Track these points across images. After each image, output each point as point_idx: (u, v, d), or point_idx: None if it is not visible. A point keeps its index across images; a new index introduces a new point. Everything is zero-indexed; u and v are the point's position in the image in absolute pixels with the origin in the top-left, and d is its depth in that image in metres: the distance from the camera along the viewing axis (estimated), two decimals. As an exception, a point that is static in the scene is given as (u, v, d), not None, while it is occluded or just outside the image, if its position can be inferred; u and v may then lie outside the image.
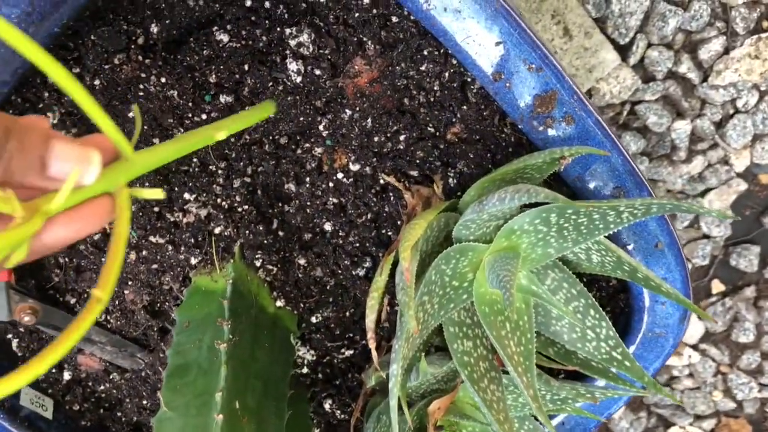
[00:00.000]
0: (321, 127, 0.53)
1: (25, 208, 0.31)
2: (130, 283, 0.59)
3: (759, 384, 1.16)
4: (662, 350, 0.56)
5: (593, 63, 0.99)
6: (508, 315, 0.46)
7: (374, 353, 0.49)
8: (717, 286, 1.14)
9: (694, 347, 1.16)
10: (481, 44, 0.46)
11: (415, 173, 0.54)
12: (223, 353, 0.48)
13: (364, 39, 0.49)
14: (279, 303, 0.57)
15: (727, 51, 0.99)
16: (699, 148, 1.04)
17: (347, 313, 0.59)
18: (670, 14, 0.96)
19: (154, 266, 0.57)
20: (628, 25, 0.97)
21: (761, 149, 1.03)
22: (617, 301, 0.58)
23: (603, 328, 0.50)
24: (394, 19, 0.49)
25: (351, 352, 0.60)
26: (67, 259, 0.58)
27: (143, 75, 0.50)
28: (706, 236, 1.09)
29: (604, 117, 0.99)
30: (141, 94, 0.52)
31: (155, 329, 0.61)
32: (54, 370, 0.63)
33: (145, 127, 0.53)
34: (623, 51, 0.98)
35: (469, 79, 0.50)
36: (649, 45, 0.98)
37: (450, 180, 0.54)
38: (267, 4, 0.50)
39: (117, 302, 0.60)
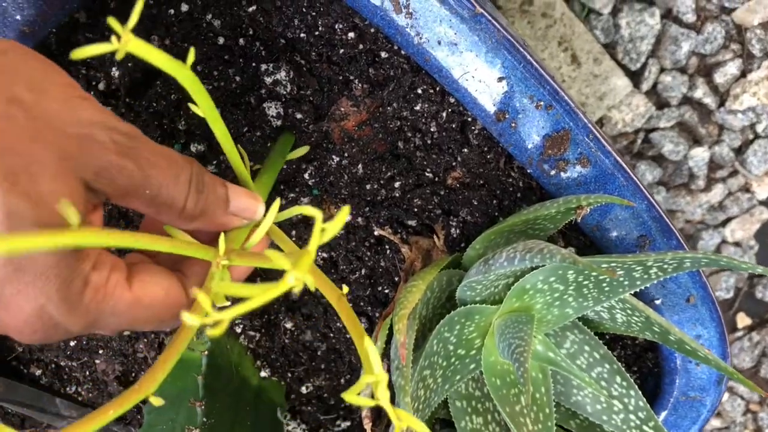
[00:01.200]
0: (306, 176, 0.47)
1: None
2: (101, 351, 0.53)
3: (791, 424, 1.10)
4: (698, 416, 0.49)
5: (604, 90, 0.94)
6: (525, 391, 0.40)
7: (370, 434, 0.42)
8: (743, 320, 1.08)
9: None
10: (481, 80, 0.40)
11: (413, 223, 0.48)
12: (195, 440, 0.42)
13: (351, 77, 0.44)
14: (264, 373, 0.51)
15: (744, 74, 0.94)
16: (718, 175, 0.98)
17: (342, 381, 0.52)
18: (682, 37, 0.91)
19: (127, 333, 0.51)
20: (639, 49, 0.92)
21: (782, 176, 0.98)
22: (645, 360, 0.51)
23: (632, 397, 0.44)
24: (383, 54, 0.43)
25: (347, 423, 0.53)
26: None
27: (104, 124, 0.45)
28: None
29: (618, 146, 0.94)
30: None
31: (130, 401, 0.54)
32: (23, 448, 0.57)
33: (111, 181, 0.48)
34: (635, 77, 0.93)
35: (469, 119, 0.44)
36: (662, 70, 0.93)
37: (452, 230, 0.48)
38: (241, 41, 0.44)
39: (88, 373, 0.54)
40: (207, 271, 0.35)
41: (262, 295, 0.24)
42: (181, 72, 0.28)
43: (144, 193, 0.32)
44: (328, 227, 0.25)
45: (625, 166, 0.41)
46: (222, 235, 0.35)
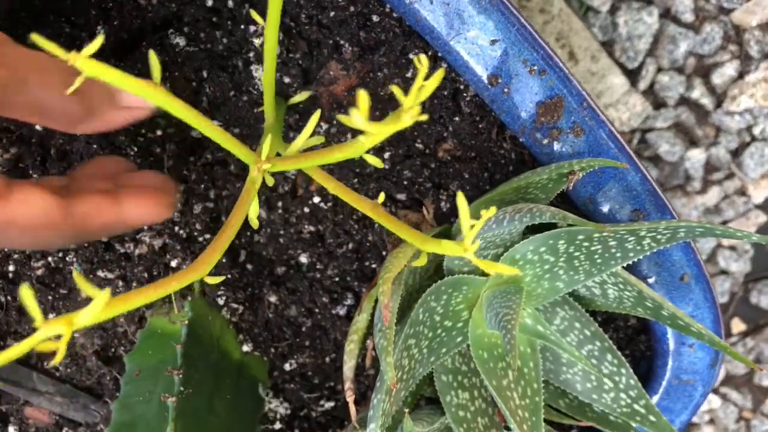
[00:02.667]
0: (281, 133, 0.46)
1: None
2: (79, 324, 0.51)
3: (785, 432, 1.09)
4: (690, 400, 0.48)
5: (600, 88, 0.94)
6: (512, 363, 0.39)
7: (352, 408, 0.41)
8: (737, 325, 1.08)
9: (715, 391, 1.09)
10: (473, 42, 0.39)
11: (402, 196, 0.47)
12: (171, 409, 0.41)
13: (341, 41, 0.43)
14: (246, 348, 0.49)
15: (741, 75, 0.93)
16: (714, 178, 0.98)
17: (327, 359, 0.51)
18: (680, 37, 0.91)
19: (106, 305, 0.50)
20: (637, 48, 0.91)
21: (779, 179, 0.97)
22: (637, 343, 0.50)
23: (622, 375, 0.42)
24: (375, 18, 0.43)
25: (332, 404, 0.52)
26: (9, 298, 0.51)
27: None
28: (724, 272, 1.02)
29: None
30: (86, 106, 0.45)
31: (109, 377, 0.53)
32: (-2, 425, 0.55)
33: (94, 146, 0.47)
34: (632, 76, 0.92)
35: (461, 87, 0.43)
36: (660, 69, 0.93)
37: (442, 204, 0.47)
38: (230, 4, 0.44)
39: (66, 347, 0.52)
40: (96, 193, 0.36)
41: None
42: (147, 92, 0.28)
43: (22, 101, 0.31)
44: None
45: (618, 136, 0.41)
46: (265, 139, 0.36)
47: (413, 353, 0.39)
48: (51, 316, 0.52)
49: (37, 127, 0.47)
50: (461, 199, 0.27)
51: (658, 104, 0.92)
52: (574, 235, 0.38)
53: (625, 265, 0.39)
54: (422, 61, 0.25)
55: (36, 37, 0.25)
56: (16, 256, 0.50)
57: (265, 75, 0.37)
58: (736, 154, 0.96)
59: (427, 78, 0.26)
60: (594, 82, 0.92)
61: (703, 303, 0.45)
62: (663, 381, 0.48)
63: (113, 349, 0.53)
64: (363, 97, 0.24)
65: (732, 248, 1.01)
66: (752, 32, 0.91)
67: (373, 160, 0.33)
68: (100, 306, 0.26)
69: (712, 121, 0.94)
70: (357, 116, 0.23)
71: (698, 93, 0.92)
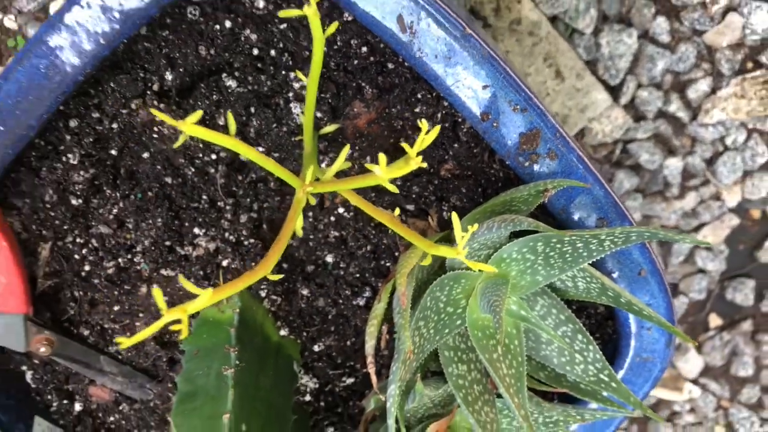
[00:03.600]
0: (323, 165, 0.56)
1: None
2: (141, 315, 0.62)
3: (760, 419, 1.16)
4: (650, 374, 0.58)
5: (585, 103, 1.03)
6: (500, 339, 0.49)
7: (374, 377, 0.51)
8: (714, 321, 1.15)
9: (695, 382, 1.17)
10: (469, 88, 0.50)
11: (411, 207, 0.58)
12: (230, 378, 0.51)
13: (363, 84, 0.53)
14: (283, 332, 0.60)
15: (714, 91, 1.02)
16: (691, 184, 1.06)
17: (348, 342, 0.61)
18: (658, 56, 1.00)
19: (165, 298, 0.60)
20: (618, 66, 1.00)
21: (751, 185, 1.06)
22: (605, 328, 0.61)
23: (590, 351, 0.53)
24: (390, 65, 0.53)
25: (352, 380, 0.62)
26: (81, 293, 0.61)
27: (158, 119, 0.54)
28: (701, 270, 1.11)
29: (598, 155, 1.03)
30: (155, 136, 0.55)
31: (164, 360, 0.63)
32: (65, 401, 0.65)
33: (158, 167, 0.57)
34: (614, 92, 1.01)
35: (459, 120, 0.54)
36: (639, 85, 1.01)
37: (444, 213, 0.58)
38: (273, 53, 0.54)
39: (128, 334, 0.63)
40: None
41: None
42: (227, 142, 0.39)
43: None
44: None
45: (586, 159, 0.51)
46: (309, 165, 0.46)
47: (423, 332, 0.49)
48: (116, 308, 0.62)
49: (111, 151, 0.57)
50: (455, 217, 0.38)
51: (639, 117, 1.02)
52: (549, 238, 0.49)
53: (590, 262, 0.50)
54: (424, 124, 0.35)
55: (155, 112, 0.35)
56: (91, 257, 0.60)
57: (306, 114, 0.47)
58: (710, 162, 1.05)
59: (430, 127, 0.36)
60: (579, 98, 1.02)
61: (658, 293, 0.55)
62: (627, 359, 0.58)
63: (168, 335, 0.63)
64: (382, 158, 0.34)
65: (708, 249, 1.10)
66: (723, 52, 1.00)
67: (391, 187, 0.42)
68: (206, 298, 0.36)
69: (688, 133, 1.03)
70: (378, 170, 0.34)
71: (675, 107, 1.01)
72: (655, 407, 1.17)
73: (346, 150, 0.45)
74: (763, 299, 1.13)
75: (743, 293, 1.13)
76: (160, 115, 0.35)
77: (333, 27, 0.42)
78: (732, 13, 1.00)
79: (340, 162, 0.45)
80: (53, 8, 0.82)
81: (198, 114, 0.37)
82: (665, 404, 1.19)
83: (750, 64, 1.02)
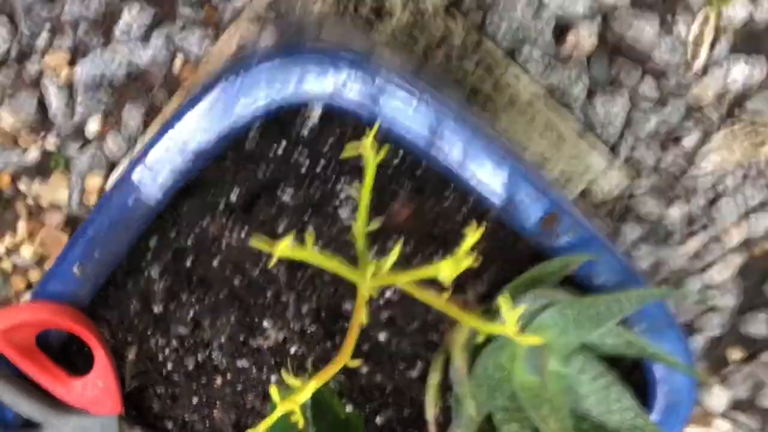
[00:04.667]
0: (370, 257, 0.65)
1: None
2: (218, 404, 0.69)
3: (791, 446, 1.20)
4: (679, 416, 0.65)
5: (585, 165, 1.10)
6: (546, 397, 0.56)
7: (437, 440, 0.59)
8: (733, 354, 1.19)
9: (724, 416, 1.21)
10: (491, 183, 0.59)
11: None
12: (311, 454, 0.58)
13: (396, 188, 0.63)
14: (348, 408, 0.67)
15: (705, 141, 1.09)
16: (693, 229, 1.13)
17: (405, 413, 0.69)
18: (649, 113, 1.07)
19: (239, 387, 0.68)
20: (613, 127, 1.08)
21: (750, 224, 1.12)
22: (634, 375, 0.68)
23: (625, 400, 0.60)
24: (418, 171, 0.63)
25: (411, 446, 0.69)
26: (164, 389, 0.69)
27: (226, 232, 0.63)
28: (712, 308, 1.16)
29: (601, 213, 1.11)
30: (224, 246, 0.64)
31: (241, 444, 0.70)
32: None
33: (227, 272, 0.65)
34: (611, 151, 1.08)
35: (484, 210, 0.63)
36: (635, 143, 1.08)
37: (479, 288, 0.66)
38: (318, 169, 0.63)
39: (208, 423, 0.70)
40: None
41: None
42: (303, 255, 0.47)
43: None
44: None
45: (598, 233, 0.59)
46: (365, 261, 0.53)
47: (477, 398, 0.57)
48: (195, 400, 0.70)
49: (186, 263, 0.65)
50: (503, 300, 0.46)
51: (636, 173, 1.09)
52: (576, 305, 0.57)
53: (615, 322, 0.57)
54: (475, 227, 0.44)
55: (254, 242, 0.44)
56: (172, 357, 0.68)
57: (359, 218, 0.56)
58: (709, 207, 1.12)
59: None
60: (579, 161, 1.09)
61: (676, 340, 0.63)
62: (656, 403, 0.65)
63: (243, 420, 0.70)
64: (447, 264, 0.43)
65: (716, 287, 1.16)
66: (710, 103, 1.08)
67: (447, 281, 0.50)
68: (311, 388, 0.44)
69: (685, 182, 1.10)
70: (442, 269, 0.43)
71: (670, 159, 1.08)
72: (690, 445, 1.21)
73: (399, 246, 0.54)
74: (777, 330, 1.17)
75: (757, 325, 1.17)
76: (261, 246, 0.43)
77: (384, 152, 0.51)
78: (713, 67, 1.06)
79: (394, 257, 0.54)
80: (90, 125, 0.91)
81: (288, 239, 0.45)
82: (701, 444, 1.22)
83: (736, 111, 1.09)
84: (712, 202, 1.10)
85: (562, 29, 1.11)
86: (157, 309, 0.66)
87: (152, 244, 0.64)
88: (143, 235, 0.63)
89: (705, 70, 1.06)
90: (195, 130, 0.58)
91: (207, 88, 0.57)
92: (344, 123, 0.61)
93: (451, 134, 0.57)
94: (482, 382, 0.57)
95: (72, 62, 0.92)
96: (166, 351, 0.68)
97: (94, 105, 0.90)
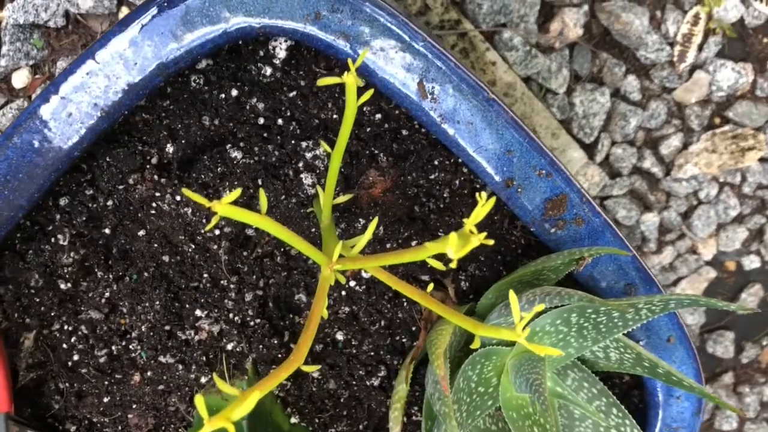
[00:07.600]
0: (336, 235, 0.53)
1: None
2: (134, 406, 0.56)
3: (746, 472, 1.15)
4: (680, 446, 0.56)
5: (567, 158, 1.03)
6: (537, 419, 0.46)
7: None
8: None
9: None
10: (492, 153, 0.48)
11: (426, 278, 0.55)
12: (247, 477, 0.46)
13: (377, 152, 0.51)
14: (294, 419, 0.55)
15: (685, 146, 1.04)
16: (668, 238, 1.07)
17: (361, 426, 0.57)
18: (630, 114, 1.01)
19: (161, 387, 0.55)
20: (592, 125, 1.01)
21: (725, 237, 1.07)
22: (631, 397, 0.58)
23: (627, 426, 0.50)
24: (405, 132, 0.51)
25: (366, 466, 0.58)
26: (68, 384, 0.56)
27: (157, 194, 0.50)
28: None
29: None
30: (153, 212, 0.51)
31: (161, 454, 0.58)
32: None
33: (155, 245, 0.53)
34: (589, 149, 1.02)
35: (478, 186, 0.52)
36: (613, 143, 1.02)
37: (461, 283, 0.55)
38: (280, 121, 0.51)
39: (120, 428, 0.57)
40: None
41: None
42: (255, 220, 0.36)
43: None
44: None
45: (612, 224, 0.49)
46: (330, 240, 0.44)
47: (456, 416, 0.46)
48: (106, 399, 0.57)
49: (105, 230, 0.53)
50: (513, 298, 0.35)
51: (614, 174, 1.02)
52: (584, 309, 0.46)
53: (626, 332, 0.47)
54: (482, 197, 0.33)
55: (187, 192, 0.32)
56: (80, 346, 0.55)
57: (328, 184, 0.44)
58: (685, 216, 1.06)
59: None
60: (560, 152, 1.02)
61: (686, 359, 0.53)
62: (656, 429, 0.56)
63: (164, 427, 0.58)
64: (453, 237, 0.32)
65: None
66: (692, 108, 1.02)
67: (437, 264, 0.40)
68: (252, 402, 0.32)
69: (663, 188, 1.04)
70: (451, 252, 0.31)
71: (649, 163, 1.02)
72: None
73: (374, 223, 0.42)
74: (743, 351, 1.13)
75: (723, 345, 1.13)
76: (193, 196, 0.31)
77: (368, 94, 0.39)
78: (699, 70, 1.02)
79: (368, 236, 0.42)
80: (15, 80, 0.78)
81: (236, 193, 0.33)
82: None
83: (718, 120, 1.05)
84: (690, 210, 1.05)
85: (546, 16, 1.03)
86: (64, 286, 0.53)
87: (62, 202, 0.51)
88: (51, 190, 0.49)
89: (690, 74, 1.00)
90: (128, 55, 0.45)
91: (149, 2, 0.44)
92: (317, 61, 0.50)
93: (456, 92, 0.46)
94: (463, 398, 0.46)
95: (-7, -3, 0.78)
96: (73, 339, 0.54)
97: (22, 57, 0.76)
